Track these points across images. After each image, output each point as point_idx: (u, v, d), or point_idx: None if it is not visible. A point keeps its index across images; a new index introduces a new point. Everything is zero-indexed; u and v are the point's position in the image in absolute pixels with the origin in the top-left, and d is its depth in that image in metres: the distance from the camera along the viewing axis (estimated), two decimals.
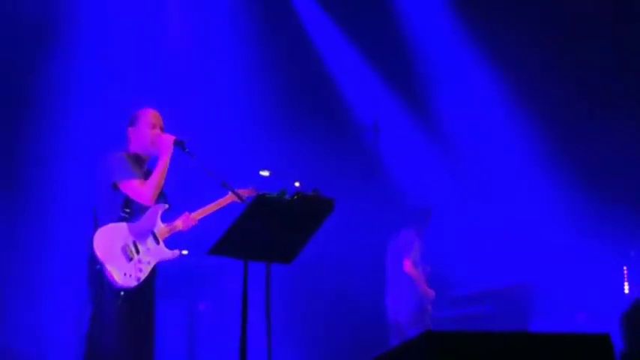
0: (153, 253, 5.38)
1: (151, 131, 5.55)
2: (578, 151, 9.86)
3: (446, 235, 9.40)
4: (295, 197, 4.68)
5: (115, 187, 5.35)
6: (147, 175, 5.52)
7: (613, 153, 9.58)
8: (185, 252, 6.09)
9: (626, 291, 8.50)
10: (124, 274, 5.18)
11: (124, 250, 5.26)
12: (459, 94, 10.48)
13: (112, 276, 5.14)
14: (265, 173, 5.75)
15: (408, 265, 8.39)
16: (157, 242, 5.43)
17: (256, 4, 9.71)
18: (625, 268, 8.61)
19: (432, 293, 8.38)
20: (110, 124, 7.99)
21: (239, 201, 5.50)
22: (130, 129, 5.60)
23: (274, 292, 4.88)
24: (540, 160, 9.97)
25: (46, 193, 8.00)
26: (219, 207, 5.67)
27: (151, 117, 5.60)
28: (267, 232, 4.73)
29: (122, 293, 5.17)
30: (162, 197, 5.61)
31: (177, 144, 5.49)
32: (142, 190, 5.34)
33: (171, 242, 5.66)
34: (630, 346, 4.34)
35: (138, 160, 5.56)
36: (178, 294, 7.20)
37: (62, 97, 8.27)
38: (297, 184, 5.25)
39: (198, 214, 5.65)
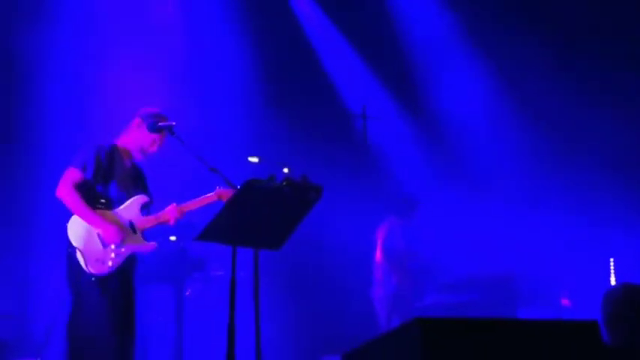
0: (129, 243, 5.38)
1: (152, 141, 5.59)
2: (567, 139, 9.92)
3: (432, 222, 9.41)
4: (284, 183, 4.67)
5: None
6: (133, 169, 5.56)
7: (602, 141, 9.64)
8: (173, 238, 6.12)
9: (613, 282, 8.55)
10: (95, 259, 5.19)
11: (100, 236, 5.26)
12: (448, 83, 10.49)
13: (81, 261, 5.15)
14: (254, 159, 5.75)
15: (378, 255, 8.50)
16: (134, 232, 5.42)
17: None
18: (612, 260, 8.67)
19: (407, 283, 8.49)
20: (96, 110, 8.00)
21: (222, 199, 5.51)
22: (141, 122, 5.60)
23: (261, 275, 4.89)
24: (528, 148, 10.00)
25: (34, 178, 7.96)
26: (204, 203, 5.65)
27: (162, 138, 5.63)
28: (255, 217, 4.72)
29: (93, 279, 5.17)
30: (142, 189, 5.62)
31: (166, 128, 5.50)
32: (66, 183, 5.31)
33: (159, 229, 5.66)
34: (614, 338, 4.21)
35: (124, 152, 5.57)
36: (167, 279, 7.19)
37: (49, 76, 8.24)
38: (285, 170, 5.25)
39: (187, 207, 5.63)
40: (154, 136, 5.59)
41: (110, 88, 8.37)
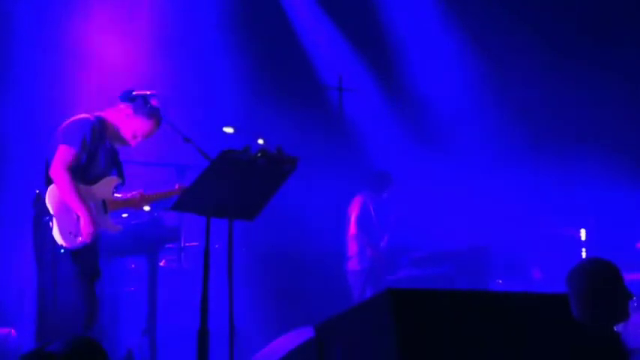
0: (99, 221, 5.35)
1: (133, 135, 5.53)
2: (540, 112, 9.99)
3: (406, 195, 9.46)
4: (259, 154, 4.68)
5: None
6: (112, 147, 5.51)
7: (579, 116, 9.73)
8: (147, 208, 6.11)
9: (584, 255, 8.63)
10: (69, 232, 5.16)
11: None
12: (424, 56, 10.49)
13: (55, 231, 5.13)
14: (229, 130, 5.75)
15: (352, 228, 8.59)
16: (105, 212, 5.41)
17: None
18: (583, 230, 8.75)
19: (381, 256, 8.60)
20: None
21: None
22: (133, 109, 5.49)
23: (235, 248, 4.89)
24: (502, 123, 10.05)
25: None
26: (167, 196, 5.68)
27: (152, 129, 5.55)
28: (230, 188, 4.72)
29: (62, 251, 5.16)
30: (118, 169, 5.60)
31: (141, 98, 5.46)
32: (61, 163, 5.20)
33: None
34: (581, 312, 4.21)
35: (111, 130, 5.51)
36: (140, 249, 7.17)
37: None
38: (260, 141, 5.25)
39: (152, 198, 5.68)
40: (137, 128, 5.52)
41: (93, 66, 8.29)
